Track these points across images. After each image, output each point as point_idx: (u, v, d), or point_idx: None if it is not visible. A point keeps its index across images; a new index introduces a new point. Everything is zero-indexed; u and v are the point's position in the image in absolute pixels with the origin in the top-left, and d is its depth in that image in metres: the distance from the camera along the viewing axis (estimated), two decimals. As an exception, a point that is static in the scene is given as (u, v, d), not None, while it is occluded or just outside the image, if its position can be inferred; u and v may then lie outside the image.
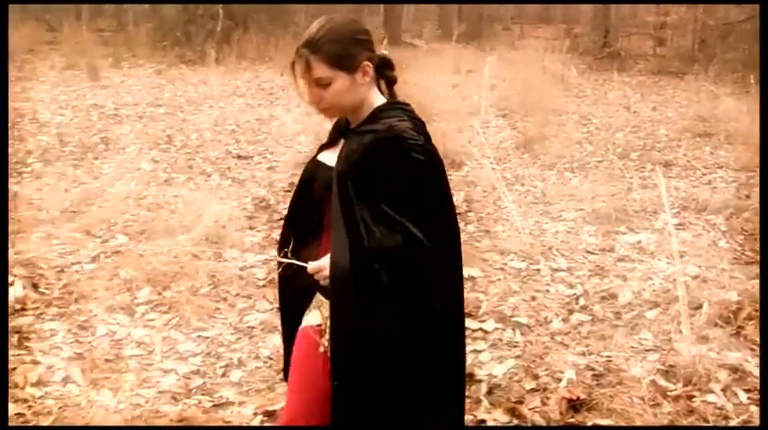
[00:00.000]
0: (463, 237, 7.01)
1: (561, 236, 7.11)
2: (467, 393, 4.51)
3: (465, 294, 5.84)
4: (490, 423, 4.24)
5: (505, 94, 13.66)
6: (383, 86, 2.86)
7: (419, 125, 2.75)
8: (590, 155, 10.15)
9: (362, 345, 2.63)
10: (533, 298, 5.80)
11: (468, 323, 5.39)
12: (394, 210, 2.59)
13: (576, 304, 5.72)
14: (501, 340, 5.18)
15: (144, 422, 4.19)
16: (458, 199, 8.16)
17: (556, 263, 6.47)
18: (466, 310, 5.50)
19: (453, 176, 8.94)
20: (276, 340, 4.92)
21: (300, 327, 2.92)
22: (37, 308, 5.65)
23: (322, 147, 2.94)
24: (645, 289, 5.92)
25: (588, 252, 6.72)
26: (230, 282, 6.02)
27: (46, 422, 4.22)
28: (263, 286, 5.98)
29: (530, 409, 4.34)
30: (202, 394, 4.48)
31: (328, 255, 2.67)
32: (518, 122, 12.02)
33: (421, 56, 18.50)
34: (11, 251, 6.58)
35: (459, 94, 13.83)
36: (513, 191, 8.18)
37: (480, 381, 4.65)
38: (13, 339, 5.17)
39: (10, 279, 6.04)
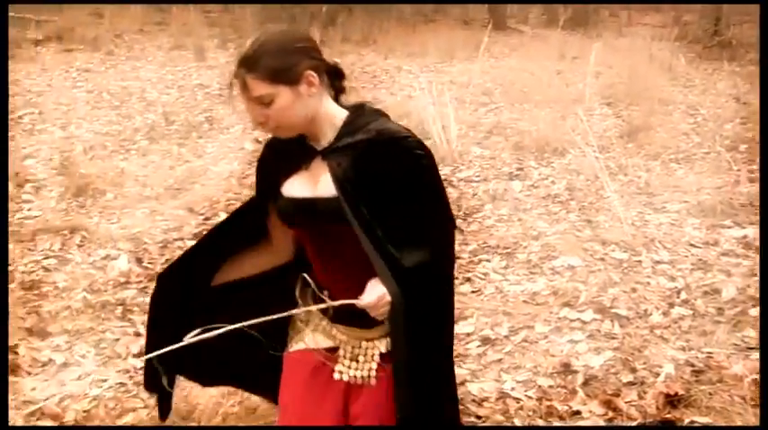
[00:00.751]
0: (564, 225, 6.99)
1: (664, 227, 6.97)
2: (563, 383, 4.49)
3: (564, 283, 5.83)
4: (585, 415, 4.21)
5: (611, 82, 13.41)
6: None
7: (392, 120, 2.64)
8: (696, 146, 9.90)
9: (428, 362, 2.59)
10: (634, 289, 5.71)
11: (567, 313, 5.36)
12: (416, 219, 2.51)
13: (678, 298, 5.61)
14: (599, 331, 5.13)
15: (239, 397, 4.26)
16: (560, 187, 8.06)
17: (658, 255, 6.35)
18: (565, 300, 5.50)
19: (556, 164, 8.83)
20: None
21: (295, 349, 2.77)
22: (140, 281, 5.81)
23: (281, 176, 2.66)
24: (750, 285, 5.76)
25: (691, 245, 6.57)
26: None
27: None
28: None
29: (626, 403, 4.29)
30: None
31: (372, 285, 2.50)
32: (623, 111, 11.79)
33: (526, 41, 18.25)
34: (117, 225, 6.77)
35: (564, 80, 13.61)
36: (615, 180, 8.04)
37: (576, 372, 4.61)
38: (117, 311, 5.33)
39: (115, 253, 6.22)
